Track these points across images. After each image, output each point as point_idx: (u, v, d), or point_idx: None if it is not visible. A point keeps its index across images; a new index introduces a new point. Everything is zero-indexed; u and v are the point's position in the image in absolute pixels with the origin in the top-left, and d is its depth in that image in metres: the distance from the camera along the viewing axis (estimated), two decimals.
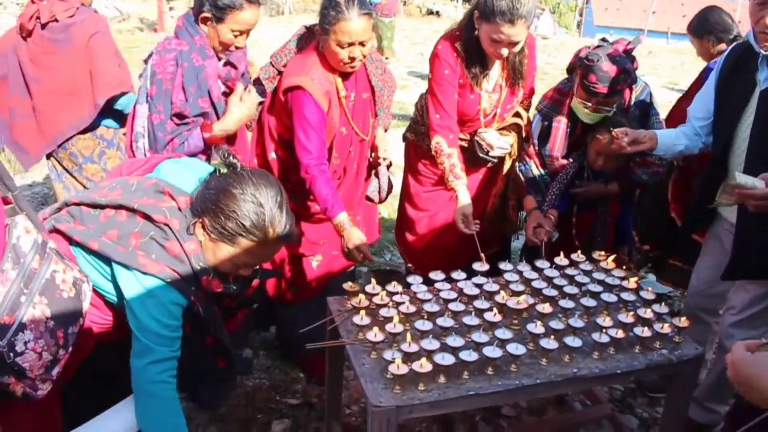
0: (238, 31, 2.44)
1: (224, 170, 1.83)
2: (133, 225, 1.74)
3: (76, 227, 1.79)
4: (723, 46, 3.31)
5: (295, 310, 2.95)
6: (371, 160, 2.92)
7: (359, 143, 2.78)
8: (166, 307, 1.70)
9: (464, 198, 2.67)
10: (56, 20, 3.08)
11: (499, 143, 2.81)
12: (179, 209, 1.77)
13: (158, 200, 1.78)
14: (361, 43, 2.46)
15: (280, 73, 2.71)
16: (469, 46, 2.66)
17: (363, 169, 2.90)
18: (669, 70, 13.40)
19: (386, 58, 11.17)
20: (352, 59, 2.49)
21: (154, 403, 1.70)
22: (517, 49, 2.57)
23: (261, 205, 1.72)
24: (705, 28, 3.45)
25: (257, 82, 2.77)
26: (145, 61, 2.54)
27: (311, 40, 2.67)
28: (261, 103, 2.79)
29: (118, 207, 1.78)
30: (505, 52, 2.55)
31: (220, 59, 2.55)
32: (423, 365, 1.78)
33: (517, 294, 2.19)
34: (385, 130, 2.95)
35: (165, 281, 1.70)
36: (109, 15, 14.28)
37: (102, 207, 1.80)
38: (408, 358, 1.82)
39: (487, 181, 3.05)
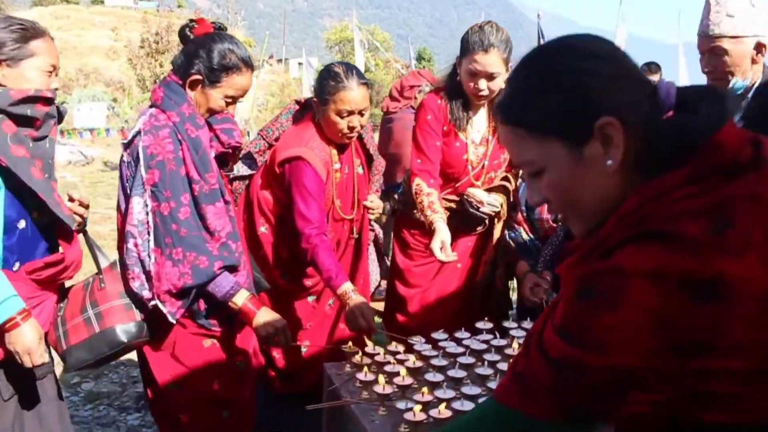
0: (231, 98, 2.22)
1: None
2: None
3: None
4: None
5: (283, 410, 2.70)
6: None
7: (340, 222, 2.72)
8: None
9: (441, 228, 2.51)
10: None
11: (488, 199, 2.77)
12: None
13: None
14: (360, 113, 2.51)
15: (270, 146, 2.70)
16: (453, 92, 2.69)
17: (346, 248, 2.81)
18: None
19: None
20: (351, 128, 2.52)
21: None
22: (495, 86, 2.57)
23: None
24: None
25: (248, 156, 2.73)
26: (126, 147, 2.21)
27: (304, 114, 2.70)
28: (249, 176, 2.74)
29: None
30: (482, 84, 2.55)
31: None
32: (441, 412, 1.60)
33: None
34: None
35: None
36: (74, 159, 13.72)
37: None
38: (424, 407, 1.64)
39: (478, 249, 2.96)
